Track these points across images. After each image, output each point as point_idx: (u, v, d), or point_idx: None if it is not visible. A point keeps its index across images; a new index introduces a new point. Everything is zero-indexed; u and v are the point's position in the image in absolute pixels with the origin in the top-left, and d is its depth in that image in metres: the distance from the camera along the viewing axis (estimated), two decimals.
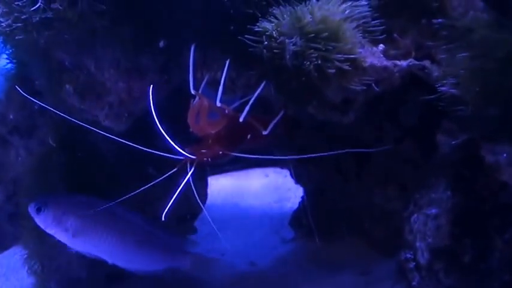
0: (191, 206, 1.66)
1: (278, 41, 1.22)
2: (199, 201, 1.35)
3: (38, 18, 1.31)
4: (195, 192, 1.31)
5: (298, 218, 1.89)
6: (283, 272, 1.75)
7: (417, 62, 1.28)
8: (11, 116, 1.81)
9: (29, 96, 1.44)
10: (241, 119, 1.32)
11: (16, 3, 1.32)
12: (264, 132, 1.39)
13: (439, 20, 1.18)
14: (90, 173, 1.63)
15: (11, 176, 1.91)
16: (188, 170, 1.32)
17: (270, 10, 1.27)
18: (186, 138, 1.36)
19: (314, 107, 1.31)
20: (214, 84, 1.35)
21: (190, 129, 1.37)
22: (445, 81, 1.14)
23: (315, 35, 1.19)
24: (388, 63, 1.26)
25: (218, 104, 1.32)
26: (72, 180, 1.61)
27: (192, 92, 1.34)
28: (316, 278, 1.65)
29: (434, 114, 1.22)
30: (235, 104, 1.40)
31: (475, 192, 1.20)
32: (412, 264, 1.31)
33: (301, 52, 1.20)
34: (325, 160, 1.57)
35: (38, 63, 1.55)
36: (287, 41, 1.20)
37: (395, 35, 1.29)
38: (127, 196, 1.33)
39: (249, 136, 1.43)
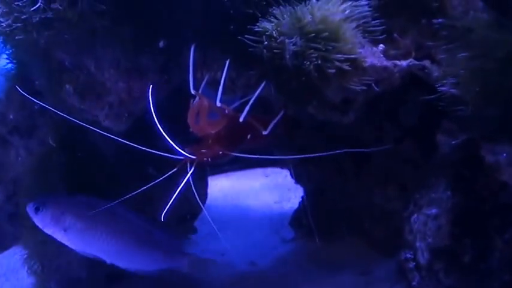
0: (191, 206, 1.66)
1: (278, 41, 1.22)
2: (199, 201, 1.35)
3: (38, 18, 1.31)
4: (195, 192, 1.31)
5: (298, 218, 1.89)
6: (283, 272, 1.75)
7: (417, 62, 1.28)
8: (11, 116, 1.81)
9: (29, 96, 1.44)
10: (241, 119, 1.32)
11: (16, 3, 1.32)
12: (264, 132, 1.39)
13: (439, 20, 1.18)
14: (90, 173, 1.63)
15: (11, 176, 1.91)
16: (188, 170, 1.32)
17: (270, 10, 1.27)
18: (186, 138, 1.36)
19: (314, 107, 1.31)
20: (214, 84, 1.35)
21: (190, 129, 1.37)
22: (445, 81, 1.14)
23: (315, 35, 1.19)
24: (388, 63, 1.26)
25: (218, 104, 1.32)
26: (72, 180, 1.61)
27: (192, 92, 1.34)
28: (316, 278, 1.65)
29: (434, 114, 1.22)
30: (235, 104, 1.40)
31: (475, 192, 1.20)
32: (412, 264, 1.31)
33: (301, 52, 1.20)
34: (325, 160, 1.57)
35: (38, 63, 1.55)
36: (287, 41, 1.20)
37: (395, 35, 1.29)
38: (127, 196, 1.33)
39: (249, 136, 1.43)
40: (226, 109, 1.37)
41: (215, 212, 2.17)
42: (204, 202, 1.77)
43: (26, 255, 1.68)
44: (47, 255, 1.65)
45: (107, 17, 1.35)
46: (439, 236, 1.24)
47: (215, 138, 1.37)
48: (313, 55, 1.19)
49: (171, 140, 1.29)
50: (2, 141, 1.87)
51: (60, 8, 1.30)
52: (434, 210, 1.26)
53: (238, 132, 1.40)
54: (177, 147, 1.31)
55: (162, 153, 1.31)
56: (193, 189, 1.31)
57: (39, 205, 1.47)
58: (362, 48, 1.23)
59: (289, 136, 1.63)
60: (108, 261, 1.49)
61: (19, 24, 1.33)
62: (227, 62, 1.29)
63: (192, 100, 1.37)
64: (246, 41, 1.25)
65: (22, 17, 1.32)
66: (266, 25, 1.24)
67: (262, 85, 1.30)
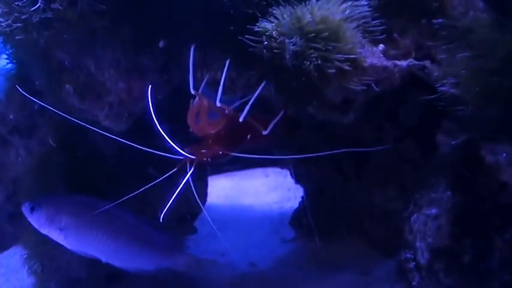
0: (191, 206, 1.66)
1: (278, 41, 1.22)
2: (199, 201, 1.35)
3: (37, 18, 1.31)
4: (194, 192, 1.31)
5: (298, 218, 1.89)
6: (283, 272, 1.75)
7: (417, 62, 1.28)
8: (11, 116, 1.81)
9: (29, 96, 1.44)
10: (241, 119, 1.32)
11: (16, 3, 1.32)
12: (264, 132, 1.39)
13: (439, 20, 1.18)
14: (90, 173, 1.63)
15: (11, 176, 1.91)
16: (188, 170, 1.32)
17: (270, 10, 1.27)
18: (186, 138, 1.36)
19: (314, 107, 1.31)
20: (214, 84, 1.35)
21: (190, 129, 1.37)
22: (445, 81, 1.14)
23: (315, 35, 1.19)
24: (388, 63, 1.26)
25: (218, 104, 1.32)
26: (72, 180, 1.61)
27: (192, 92, 1.34)
28: (316, 278, 1.65)
29: (434, 114, 1.22)
30: (235, 104, 1.40)
31: (475, 192, 1.20)
32: (412, 264, 1.31)
33: (301, 52, 1.20)
34: (325, 160, 1.57)
35: (38, 63, 1.55)
36: (287, 41, 1.20)
37: (395, 35, 1.29)
38: (127, 197, 1.33)
39: (249, 136, 1.43)
40: (226, 109, 1.37)
41: (215, 212, 2.17)
42: (204, 202, 1.77)
43: (26, 255, 1.68)
44: (47, 255, 1.65)
45: (107, 17, 1.35)
46: (439, 236, 1.24)
47: (215, 138, 1.37)
48: (313, 55, 1.19)
49: (170, 140, 1.29)
50: (2, 141, 1.87)
51: (60, 8, 1.30)
52: (434, 210, 1.26)
53: (238, 132, 1.40)
54: (176, 147, 1.31)
55: (162, 153, 1.31)
56: (193, 189, 1.31)
57: (34, 205, 1.47)
58: (362, 48, 1.23)
59: (289, 136, 1.63)
60: (104, 260, 1.49)
61: (19, 24, 1.33)
62: (227, 62, 1.29)
63: (192, 100, 1.37)
64: (246, 41, 1.25)
65: (22, 17, 1.32)
66: (266, 25, 1.24)
67: (262, 85, 1.30)
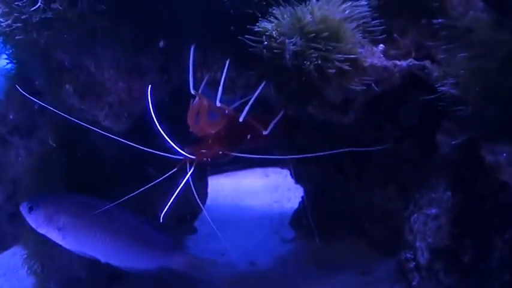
0: (191, 206, 1.66)
1: (278, 41, 1.22)
2: (199, 201, 1.35)
3: (37, 18, 1.31)
4: (194, 192, 1.31)
5: (298, 218, 1.89)
6: (283, 272, 1.75)
7: (417, 62, 1.28)
8: (11, 116, 1.81)
9: (29, 96, 1.44)
10: (241, 119, 1.32)
11: (16, 3, 1.32)
12: (264, 132, 1.39)
13: (439, 20, 1.18)
14: (90, 173, 1.63)
15: (11, 176, 1.91)
16: (188, 170, 1.32)
17: (270, 10, 1.27)
18: (186, 138, 1.36)
19: (314, 107, 1.31)
20: (214, 84, 1.35)
21: (190, 129, 1.37)
22: (445, 81, 1.14)
23: (315, 35, 1.19)
24: (388, 63, 1.26)
25: (218, 104, 1.32)
26: (72, 180, 1.61)
27: (192, 92, 1.34)
28: (316, 278, 1.65)
29: (434, 114, 1.22)
30: (235, 104, 1.40)
31: (475, 192, 1.20)
32: (412, 264, 1.31)
33: (301, 52, 1.20)
34: (325, 160, 1.57)
35: (38, 63, 1.55)
36: (287, 41, 1.20)
37: (395, 35, 1.29)
38: (127, 197, 1.33)
39: (249, 136, 1.43)
40: (226, 109, 1.37)
41: (215, 212, 2.16)
42: (204, 202, 1.77)
43: (26, 255, 1.68)
44: (47, 255, 1.65)
45: (107, 17, 1.35)
46: (439, 236, 1.24)
47: (215, 138, 1.37)
48: (313, 55, 1.19)
49: (170, 140, 1.29)
50: (2, 141, 1.87)
51: (60, 8, 1.30)
52: (434, 210, 1.26)
53: (238, 132, 1.40)
54: (176, 147, 1.31)
55: (162, 153, 1.31)
56: (193, 189, 1.31)
57: (32, 204, 1.46)
58: (362, 48, 1.23)
59: (289, 136, 1.63)
60: (103, 260, 1.49)
61: (19, 24, 1.33)
62: (227, 62, 1.29)
63: (192, 100, 1.37)
64: (246, 41, 1.25)
65: (22, 17, 1.32)
66: (266, 25, 1.24)
67: (262, 85, 1.30)
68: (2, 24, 1.34)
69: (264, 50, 1.24)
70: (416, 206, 1.33)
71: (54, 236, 1.47)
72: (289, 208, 2.11)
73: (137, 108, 1.48)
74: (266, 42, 1.23)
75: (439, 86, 1.16)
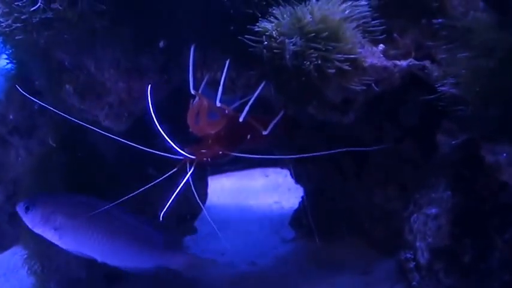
0: (191, 206, 1.66)
1: (278, 41, 1.22)
2: (199, 201, 1.35)
3: (37, 19, 1.31)
4: (194, 192, 1.31)
5: (298, 218, 1.89)
6: (283, 272, 1.75)
7: (417, 62, 1.28)
8: (11, 116, 1.81)
9: (29, 96, 1.43)
10: (241, 119, 1.32)
11: (16, 3, 1.32)
12: (264, 132, 1.39)
13: (439, 20, 1.18)
14: (90, 173, 1.63)
15: (11, 176, 1.91)
16: (188, 170, 1.32)
17: (270, 10, 1.27)
18: (186, 138, 1.36)
19: (314, 107, 1.31)
20: (214, 84, 1.35)
21: (190, 129, 1.37)
22: (445, 81, 1.14)
23: (315, 34, 1.19)
24: (388, 63, 1.26)
25: (218, 104, 1.32)
26: (72, 180, 1.61)
27: (192, 92, 1.34)
28: (316, 278, 1.65)
29: (434, 114, 1.22)
30: (235, 104, 1.40)
31: (475, 192, 1.20)
32: (412, 264, 1.31)
33: (301, 52, 1.20)
34: (325, 160, 1.57)
35: (38, 63, 1.55)
36: (287, 41, 1.20)
37: (395, 35, 1.29)
38: (127, 197, 1.33)
39: (249, 136, 1.43)
40: (226, 109, 1.37)
41: (215, 212, 2.17)
42: (204, 202, 1.77)
43: (26, 255, 1.68)
44: (47, 255, 1.65)
45: (107, 17, 1.35)
46: (439, 236, 1.24)
47: (215, 138, 1.37)
48: (313, 55, 1.19)
49: (170, 140, 1.29)
50: (2, 141, 1.87)
51: (60, 8, 1.30)
52: (434, 210, 1.26)
53: (238, 132, 1.40)
54: (176, 147, 1.31)
55: (162, 153, 1.31)
56: (193, 189, 1.31)
57: (29, 204, 1.46)
58: (362, 48, 1.23)
59: (289, 136, 1.63)
60: (100, 260, 1.49)
61: (19, 25, 1.33)
62: (227, 62, 1.29)
63: (192, 100, 1.37)
64: (246, 41, 1.25)
65: (22, 17, 1.32)
66: (266, 25, 1.24)
67: (262, 85, 1.30)
68: (2, 24, 1.34)
69: (264, 50, 1.24)
70: (416, 206, 1.33)
71: (51, 236, 1.47)
72: (289, 208, 2.11)
73: (137, 108, 1.48)
74: (266, 42, 1.23)
75: (439, 86, 1.16)
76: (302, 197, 1.87)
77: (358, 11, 1.23)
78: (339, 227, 1.74)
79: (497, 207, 1.17)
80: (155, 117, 1.29)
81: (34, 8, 1.30)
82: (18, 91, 1.46)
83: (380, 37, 1.26)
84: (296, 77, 1.22)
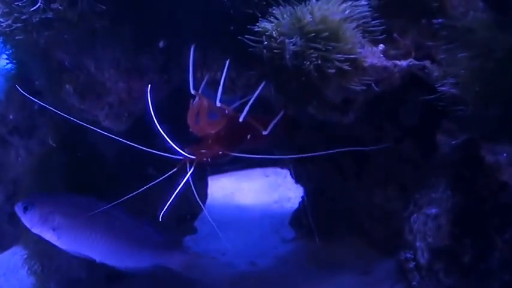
0: (191, 206, 1.66)
1: (278, 41, 1.22)
2: (199, 201, 1.35)
3: (38, 19, 1.31)
4: (195, 192, 1.31)
5: (298, 218, 1.89)
6: (284, 272, 1.75)
7: (417, 62, 1.28)
8: (11, 116, 1.81)
9: (29, 96, 1.43)
10: (241, 119, 1.32)
11: (16, 3, 1.32)
12: (264, 132, 1.39)
13: (439, 20, 1.18)
14: (90, 173, 1.63)
15: (11, 176, 1.91)
16: (188, 170, 1.32)
17: (270, 10, 1.27)
18: (186, 138, 1.36)
19: (314, 107, 1.31)
20: (214, 84, 1.35)
21: (190, 129, 1.37)
22: (445, 81, 1.14)
23: (315, 35, 1.19)
24: (388, 63, 1.26)
25: (218, 104, 1.32)
26: (72, 180, 1.61)
27: (192, 92, 1.34)
28: (316, 278, 1.65)
29: (434, 114, 1.22)
30: (235, 104, 1.40)
31: (475, 192, 1.20)
32: (412, 264, 1.31)
33: (301, 52, 1.20)
34: (325, 160, 1.57)
35: (38, 63, 1.55)
36: (287, 41, 1.20)
37: (395, 35, 1.29)
38: (126, 197, 1.33)
39: (249, 136, 1.43)
40: (226, 109, 1.37)
41: (215, 212, 2.16)
42: (204, 202, 1.77)
43: (26, 255, 1.68)
44: (47, 255, 1.65)
45: (107, 17, 1.35)
46: (439, 236, 1.24)
47: (215, 138, 1.37)
48: (313, 55, 1.19)
49: (170, 140, 1.29)
50: (2, 141, 1.87)
51: (60, 8, 1.30)
52: (434, 210, 1.26)
53: (238, 132, 1.40)
54: (176, 147, 1.31)
55: (162, 154, 1.31)
56: (193, 189, 1.31)
57: (27, 204, 1.46)
58: (362, 48, 1.23)
59: (289, 136, 1.63)
60: (98, 260, 1.49)
61: (19, 25, 1.33)
62: (227, 62, 1.29)
63: (192, 100, 1.37)
64: (246, 41, 1.25)
65: (22, 17, 1.32)
66: (266, 25, 1.24)
67: (262, 85, 1.30)
68: (2, 24, 1.34)
69: (264, 50, 1.24)
70: (416, 206, 1.33)
71: (49, 236, 1.47)
72: (289, 208, 2.12)
73: (137, 108, 1.48)
74: (266, 42, 1.23)
75: (439, 86, 1.16)
76: (302, 197, 1.87)
77: (358, 11, 1.23)
78: (339, 227, 1.74)
79: (497, 207, 1.17)
80: (155, 117, 1.29)
81: (34, 8, 1.30)
82: (18, 91, 1.46)
83: (380, 37, 1.26)
84: (296, 77, 1.22)
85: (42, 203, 1.47)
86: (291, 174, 1.90)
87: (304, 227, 1.84)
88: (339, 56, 1.19)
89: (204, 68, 1.39)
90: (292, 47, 1.20)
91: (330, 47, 1.19)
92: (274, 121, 1.39)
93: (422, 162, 1.43)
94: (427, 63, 1.27)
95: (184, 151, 1.32)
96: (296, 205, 1.94)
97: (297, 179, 1.87)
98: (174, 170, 1.33)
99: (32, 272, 1.68)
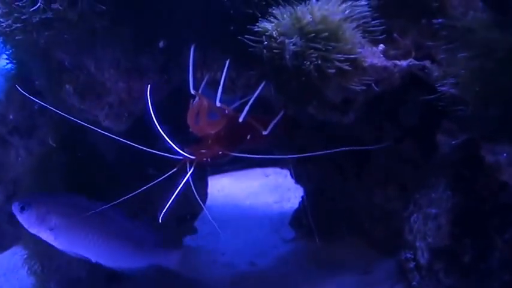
0: (191, 206, 1.66)
1: (278, 41, 1.22)
2: (200, 201, 1.35)
3: (37, 19, 1.31)
4: (195, 192, 1.31)
5: (298, 218, 1.89)
6: (284, 272, 1.75)
7: (417, 62, 1.28)
8: (11, 116, 1.81)
9: (29, 96, 1.43)
10: (241, 119, 1.32)
11: (16, 3, 1.32)
12: (264, 132, 1.39)
13: (439, 20, 1.18)
14: (90, 173, 1.63)
15: (11, 176, 1.91)
16: (188, 170, 1.32)
17: (270, 10, 1.27)
18: (186, 138, 1.36)
19: (314, 107, 1.31)
20: (214, 84, 1.35)
21: (190, 130, 1.37)
22: (445, 81, 1.14)
23: (314, 35, 1.19)
24: (388, 63, 1.26)
25: (218, 104, 1.32)
26: (72, 180, 1.61)
27: (192, 92, 1.34)
28: (316, 278, 1.65)
29: (434, 114, 1.22)
30: (235, 104, 1.40)
31: (475, 192, 1.20)
32: (412, 264, 1.31)
33: (301, 52, 1.20)
34: (325, 160, 1.57)
35: (38, 63, 1.55)
36: (287, 41, 1.20)
37: (395, 35, 1.29)
38: (126, 197, 1.33)
39: (248, 136, 1.43)
40: (226, 109, 1.37)
41: (215, 212, 2.16)
42: (204, 202, 1.77)
43: (26, 255, 1.68)
44: (46, 255, 1.65)
45: (107, 17, 1.35)
46: (439, 236, 1.24)
47: (215, 139, 1.37)
48: (313, 55, 1.19)
49: (170, 140, 1.29)
50: (2, 141, 1.87)
51: (60, 8, 1.30)
52: (434, 210, 1.26)
53: (238, 132, 1.40)
54: (176, 148, 1.31)
55: (162, 154, 1.31)
56: (194, 189, 1.31)
57: (24, 204, 1.46)
58: (362, 48, 1.23)
59: (289, 136, 1.63)
60: (94, 260, 1.49)
61: (19, 25, 1.33)
62: (227, 62, 1.29)
63: (192, 100, 1.37)
64: (246, 41, 1.25)
65: (22, 17, 1.32)
66: (266, 25, 1.24)
67: (262, 85, 1.30)
68: (2, 24, 1.34)
69: (264, 50, 1.24)
70: (416, 206, 1.33)
71: (46, 236, 1.47)
72: (289, 208, 2.12)
73: (137, 108, 1.48)
74: (266, 42, 1.23)
75: (439, 86, 1.16)
76: (302, 197, 1.87)
77: (358, 11, 1.23)
78: (339, 227, 1.74)
79: (497, 207, 1.17)
80: (155, 117, 1.29)
81: (34, 8, 1.30)
82: (18, 91, 1.46)
83: (380, 37, 1.26)
84: (296, 77, 1.22)
85: (38, 203, 1.47)
86: (291, 174, 1.90)
87: (304, 227, 1.84)
88: (339, 56, 1.19)
89: (204, 68, 1.39)
90: (292, 47, 1.20)
91: (329, 47, 1.19)
92: (274, 121, 1.39)
93: (422, 162, 1.43)
94: (427, 63, 1.27)
95: (184, 151, 1.32)
96: (296, 205, 1.94)
97: (297, 179, 1.87)
98: (174, 170, 1.33)
99: (32, 272, 1.68)
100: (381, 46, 1.27)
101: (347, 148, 1.35)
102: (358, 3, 1.24)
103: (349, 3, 1.23)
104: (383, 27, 1.26)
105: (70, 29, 1.35)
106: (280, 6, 1.26)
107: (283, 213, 2.14)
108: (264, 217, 2.22)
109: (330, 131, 1.53)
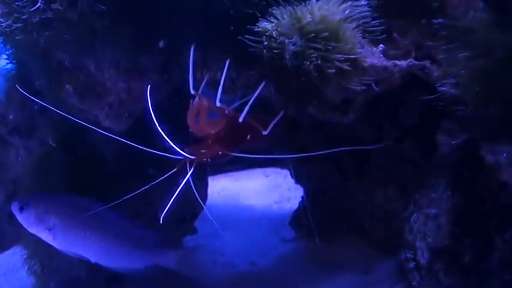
0: (191, 206, 1.66)
1: (278, 41, 1.22)
2: (200, 200, 1.35)
3: (38, 19, 1.31)
4: (195, 192, 1.31)
5: (298, 218, 1.89)
6: (284, 272, 1.75)
7: (417, 62, 1.28)
8: (11, 116, 1.81)
9: (29, 96, 1.43)
10: (241, 119, 1.32)
11: (16, 3, 1.32)
12: (264, 132, 1.39)
13: (439, 20, 1.18)
14: (90, 173, 1.63)
15: (11, 176, 1.91)
16: (188, 170, 1.32)
17: (270, 10, 1.27)
18: (186, 138, 1.36)
19: (314, 107, 1.31)
20: (214, 84, 1.35)
21: (190, 130, 1.37)
22: (445, 81, 1.14)
23: (314, 35, 1.19)
24: (388, 63, 1.26)
25: (218, 104, 1.32)
26: (72, 180, 1.61)
27: (192, 92, 1.34)
28: (316, 278, 1.65)
29: (434, 114, 1.22)
30: (235, 104, 1.40)
31: (475, 192, 1.20)
32: (412, 264, 1.31)
33: (301, 52, 1.20)
34: (325, 160, 1.57)
35: (38, 63, 1.55)
36: (287, 41, 1.20)
37: (395, 35, 1.29)
38: (125, 197, 1.33)
39: (248, 136, 1.43)
40: (226, 109, 1.37)
41: (215, 212, 2.16)
42: (204, 202, 1.77)
43: (26, 255, 1.68)
44: (47, 255, 1.65)
45: (107, 17, 1.35)
46: (439, 236, 1.24)
47: (215, 139, 1.37)
48: (313, 55, 1.19)
49: (170, 140, 1.29)
50: (2, 141, 1.87)
51: (60, 8, 1.30)
52: (434, 210, 1.26)
53: (238, 132, 1.40)
54: (176, 148, 1.31)
55: (161, 154, 1.31)
56: (194, 189, 1.31)
57: (23, 204, 1.46)
58: (362, 48, 1.23)
59: (289, 136, 1.63)
60: (93, 260, 1.49)
61: (19, 25, 1.33)
62: (227, 62, 1.29)
63: (192, 100, 1.37)
64: (246, 41, 1.25)
65: (22, 17, 1.32)
66: (266, 25, 1.24)
67: (262, 85, 1.30)
68: (2, 24, 1.34)
69: (264, 50, 1.24)
70: (416, 206, 1.33)
71: (45, 236, 1.47)
72: (289, 208, 2.12)
73: (137, 108, 1.48)
74: (266, 42, 1.23)
75: (439, 86, 1.16)
76: (302, 197, 1.87)
77: (358, 11, 1.23)
78: (339, 227, 1.74)
79: (497, 207, 1.17)
80: (155, 117, 1.29)
81: (34, 8, 1.30)
82: (18, 91, 1.46)
83: (380, 37, 1.26)
84: (296, 77, 1.22)
85: (37, 202, 1.47)
86: (291, 174, 1.90)
87: (304, 227, 1.84)
88: (339, 56, 1.19)
89: (204, 68, 1.39)
90: (292, 47, 1.20)
91: (329, 47, 1.19)
92: (274, 121, 1.39)
93: (422, 162, 1.43)
94: (427, 63, 1.27)
95: (184, 151, 1.32)
96: (296, 205, 1.94)
97: (297, 179, 1.87)
98: (174, 170, 1.33)
99: (32, 272, 1.68)
100: (381, 46, 1.27)
101: (347, 148, 1.35)
102: (358, 3, 1.24)
103: (349, 3, 1.23)
104: (383, 27, 1.26)
105: (70, 29, 1.35)
106: (280, 6, 1.26)
107: (283, 213, 2.14)
108: (264, 217, 2.22)
109: (330, 131, 1.53)
